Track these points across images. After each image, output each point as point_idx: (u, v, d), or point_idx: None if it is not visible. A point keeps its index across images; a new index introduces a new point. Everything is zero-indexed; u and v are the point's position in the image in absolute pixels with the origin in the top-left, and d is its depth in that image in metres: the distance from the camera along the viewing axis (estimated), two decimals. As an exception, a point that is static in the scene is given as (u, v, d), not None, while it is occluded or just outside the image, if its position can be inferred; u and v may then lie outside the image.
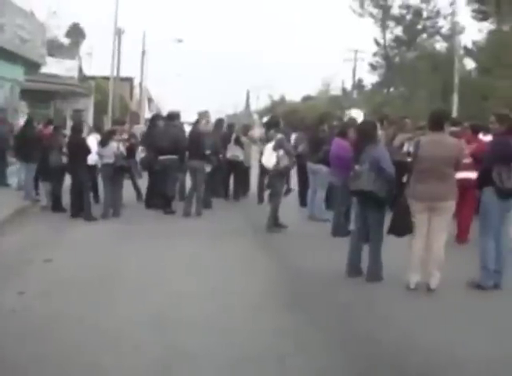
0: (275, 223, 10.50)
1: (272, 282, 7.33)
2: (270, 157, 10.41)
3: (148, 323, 5.60)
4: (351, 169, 7.56)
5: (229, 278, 7.38)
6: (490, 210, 7.04)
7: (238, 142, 14.42)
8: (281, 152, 10.29)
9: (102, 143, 11.75)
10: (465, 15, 65.76)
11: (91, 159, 11.79)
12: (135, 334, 5.33)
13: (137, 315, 5.84)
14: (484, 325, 5.88)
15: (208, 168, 12.12)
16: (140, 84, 47.77)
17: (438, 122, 7.05)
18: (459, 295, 6.86)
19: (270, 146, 10.46)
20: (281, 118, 13.20)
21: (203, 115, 13.46)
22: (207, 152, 12.07)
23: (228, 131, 14.83)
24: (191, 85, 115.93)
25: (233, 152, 14.18)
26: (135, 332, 5.39)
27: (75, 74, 32.44)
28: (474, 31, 53.56)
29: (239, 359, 4.88)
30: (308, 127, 13.25)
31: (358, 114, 13.23)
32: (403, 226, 6.93)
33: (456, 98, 30.46)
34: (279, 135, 10.62)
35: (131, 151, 12.98)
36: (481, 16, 39.53)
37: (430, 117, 7.22)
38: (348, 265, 7.50)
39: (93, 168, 12.05)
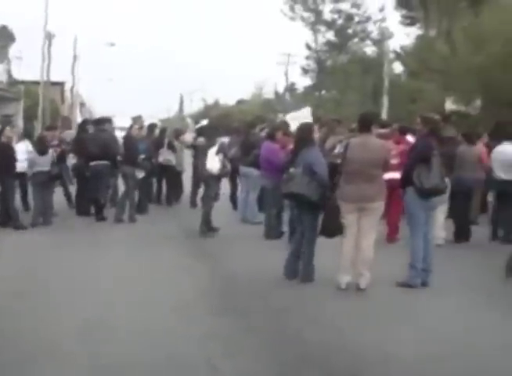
0: (208, 227, 10.46)
1: (204, 287, 7.29)
2: (214, 162, 10.37)
3: (76, 334, 5.47)
4: (284, 172, 7.61)
5: (162, 284, 7.28)
6: (413, 209, 7.25)
7: (170, 146, 14.34)
8: (221, 156, 10.30)
9: (41, 152, 11.47)
10: (394, 20, 67.36)
11: (21, 166, 11.47)
12: (62, 345, 5.19)
13: (64, 326, 5.69)
14: (411, 323, 6.01)
15: (141, 174, 12.00)
16: (71, 88, 46.90)
17: (365, 124, 7.18)
18: (388, 294, 6.97)
19: (213, 151, 10.43)
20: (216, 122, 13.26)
21: (137, 120, 13.36)
22: (141, 157, 11.97)
23: (160, 136, 14.72)
24: (124, 89, 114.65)
25: (166, 156, 14.08)
26: (63, 343, 5.25)
27: (4, 78, 31.63)
28: (403, 36, 54.85)
29: (169, 365, 4.84)
30: (239, 130, 13.27)
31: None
32: (333, 228, 7.01)
33: (385, 100, 31.14)
34: (221, 140, 10.68)
35: (61, 157, 12.73)
36: (409, 21, 40.56)
37: (359, 119, 7.37)
38: (286, 268, 7.52)
39: (22, 175, 11.73)
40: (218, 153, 10.27)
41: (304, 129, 7.82)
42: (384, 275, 7.35)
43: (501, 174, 10.86)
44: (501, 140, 11.35)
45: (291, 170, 7.35)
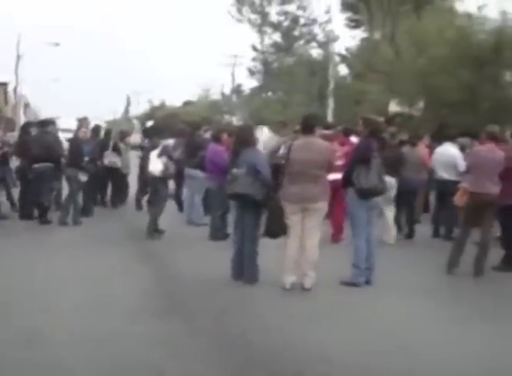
0: (155, 229, 10.40)
1: (150, 289, 7.25)
2: (156, 164, 10.32)
3: (19, 340, 5.34)
4: (228, 173, 7.63)
5: (107, 287, 7.19)
6: (354, 209, 7.38)
7: (116, 148, 14.21)
8: (164, 158, 10.25)
9: None
10: (339, 23, 68.09)
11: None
12: (5, 352, 5.08)
13: (7, 332, 5.57)
14: (355, 322, 6.10)
15: (84, 177, 11.85)
16: (15, 89, 45.88)
17: (308, 126, 7.25)
18: (333, 294, 7.07)
19: (155, 153, 10.38)
20: (162, 123, 13.18)
21: (83, 121, 13.20)
22: (86, 159, 11.84)
23: (105, 138, 14.57)
24: (70, 90, 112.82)
25: (111, 158, 13.94)
26: (6, 349, 5.14)
27: None
28: (348, 38, 55.63)
29: (114, 369, 4.79)
30: (184, 132, 13.23)
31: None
32: (277, 228, 7.07)
33: (331, 102, 31.45)
34: (164, 142, 10.62)
35: (4, 159, 12.47)
36: (354, 24, 41.08)
37: (302, 120, 7.43)
38: (233, 269, 7.53)
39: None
40: (160, 155, 10.23)
41: (245, 130, 7.89)
42: (329, 274, 7.44)
43: (442, 174, 11.15)
44: (442, 141, 11.66)
45: (234, 171, 7.38)
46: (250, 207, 7.25)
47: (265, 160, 7.45)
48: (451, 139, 11.56)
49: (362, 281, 7.33)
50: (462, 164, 10.45)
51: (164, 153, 10.29)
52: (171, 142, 12.17)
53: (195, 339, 5.53)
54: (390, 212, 10.50)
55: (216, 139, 10.64)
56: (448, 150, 11.21)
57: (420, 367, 4.99)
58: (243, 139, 7.60)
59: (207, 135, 12.39)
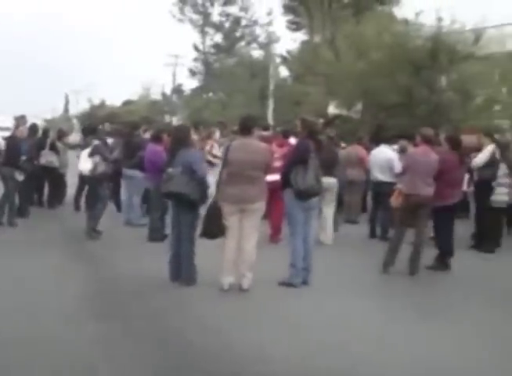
0: (93, 229, 10.24)
1: (87, 290, 7.13)
2: (85, 163, 10.19)
3: None
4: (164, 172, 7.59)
5: (43, 289, 7.05)
6: (292, 210, 7.41)
7: (53, 147, 13.91)
8: (97, 158, 10.09)
9: None
10: (281, 25, 68.58)
11: None
12: None
13: None
14: (292, 322, 6.14)
15: (21, 177, 11.56)
16: None
17: (246, 127, 7.25)
18: (270, 294, 7.08)
19: (86, 152, 10.23)
20: (104, 123, 12.98)
21: (20, 120, 12.88)
22: (22, 158, 11.55)
23: (43, 137, 14.24)
24: (7, 88, 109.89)
25: (48, 158, 13.63)
26: None
27: None
28: (289, 41, 56.07)
29: (47, 370, 4.72)
30: (122, 132, 13.07)
31: None
32: (215, 229, 7.05)
33: (271, 103, 31.66)
34: (96, 142, 10.42)
35: None
36: (295, 26, 41.51)
37: (239, 122, 7.44)
38: (170, 270, 7.45)
39: None
40: (92, 154, 10.08)
41: (182, 130, 7.86)
42: (267, 275, 7.47)
43: (377, 175, 11.36)
44: (379, 143, 11.88)
45: (169, 170, 7.34)
46: (186, 207, 7.21)
47: (201, 159, 7.42)
48: (388, 141, 11.79)
49: (299, 282, 7.38)
50: (397, 166, 10.66)
51: (96, 152, 10.13)
52: (109, 141, 12.02)
53: (131, 340, 5.47)
54: (329, 212, 10.60)
55: (155, 139, 10.56)
56: (384, 152, 11.43)
57: (357, 365, 5.06)
58: (180, 139, 7.56)
59: (147, 135, 12.27)
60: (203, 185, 7.16)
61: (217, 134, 13.30)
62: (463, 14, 22.64)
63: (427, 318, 6.49)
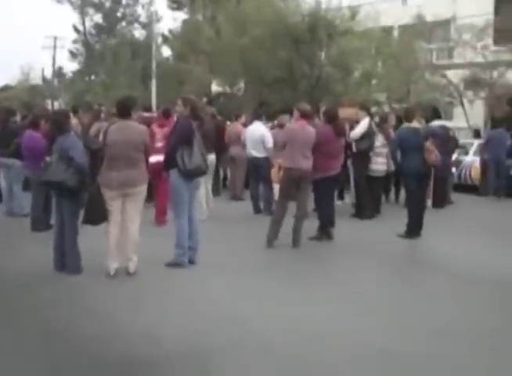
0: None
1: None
2: None
3: None
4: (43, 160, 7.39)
5: None
6: (178, 190, 7.37)
7: None
8: None
9: None
10: (162, 4, 67.62)
11: None
12: None
13: None
14: (181, 302, 6.19)
15: None
16: None
17: (124, 109, 7.15)
18: (158, 275, 7.08)
19: None
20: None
21: None
22: None
23: None
24: None
25: None
26: None
27: None
28: (170, 20, 55.42)
29: None
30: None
31: None
32: (98, 215, 6.95)
33: (154, 83, 31.32)
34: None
35: None
36: (176, 5, 41.08)
37: (117, 104, 7.30)
38: (55, 260, 7.28)
39: None
40: None
41: (60, 115, 7.65)
42: (154, 257, 7.48)
43: (252, 151, 11.57)
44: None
45: (47, 158, 7.16)
46: (67, 195, 7.06)
47: (78, 145, 7.24)
48: (266, 117, 12.02)
49: (185, 261, 7.42)
50: (269, 141, 10.91)
51: None
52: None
53: (20, 335, 5.32)
54: (208, 187, 10.69)
55: (33, 125, 10.20)
56: (257, 129, 11.62)
57: (249, 338, 5.17)
58: (59, 124, 7.36)
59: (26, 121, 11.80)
60: (81, 172, 7.00)
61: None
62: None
63: (309, 287, 6.73)
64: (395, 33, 28.49)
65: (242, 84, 24.95)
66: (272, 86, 21.88)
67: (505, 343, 5.19)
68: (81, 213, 7.06)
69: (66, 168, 6.91)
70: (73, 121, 9.75)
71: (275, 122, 12.04)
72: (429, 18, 24.01)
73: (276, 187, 10.39)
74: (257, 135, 11.50)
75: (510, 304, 6.37)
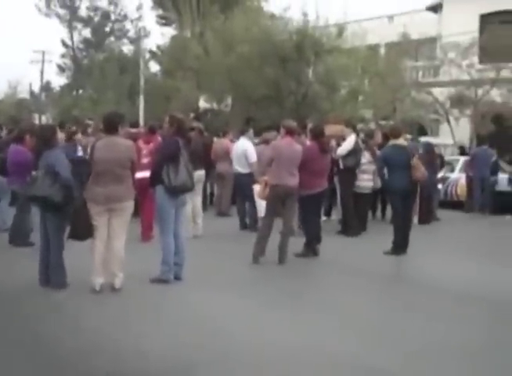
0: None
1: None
2: None
3: None
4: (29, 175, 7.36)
5: None
6: (164, 207, 7.38)
7: None
8: None
9: None
10: (151, 20, 67.80)
11: None
12: None
13: None
14: (166, 318, 6.16)
15: None
16: None
17: (111, 125, 7.16)
18: (143, 292, 7.07)
19: None
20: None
21: None
22: None
23: None
24: None
25: None
26: None
27: None
28: (159, 35, 55.56)
29: None
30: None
31: None
32: (84, 230, 6.92)
33: (142, 99, 31.33)
34: None
35: None
36: (165, 21, 41.22)
37: (103, 120, 7.31)
38: (40, 275, 7.22)
39: None
40: None
41: (47, 130, 7.63)
42: (140, 273, 7.47)
43: (237, 167, 11.60)
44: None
45: (34, 173, 7.14)
46: (52, 210, 7.04)
47: (64, 161, 7.23)
48: (256, 133, 12.06)
49: (171, 277, 7.41)
50: (252, 156, 10.95)
51: None
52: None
53: (3, 350, 5.28)
54: (198, 204, 10.69)
55: (18, 139, 10.16)
56: (242, 144, 11.63)
57: (234, 353, 5.18)
58: (45, 139, 7.35)
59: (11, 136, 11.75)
60: (67, 187, 6.99)
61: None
62: (326, 10, 23.51)
63: (295, 304, 6.73)
64: (382, 50, 28.78)
65: (229, 101, 25.03)
66: (259, 103, 21.98)
67: (492, 360, 5.20)
68: (67, 228, 7.05)
69: (51, 183, 6.89)
70: (62, 134, 9.76)
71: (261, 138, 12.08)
72: (415, 36, 24.28)
73: (260, 203, 10.43)
74: (241, 150, 11.52)
75: (497, 321, 6.38)
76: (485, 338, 5.77)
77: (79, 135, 11.84)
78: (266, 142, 11.35)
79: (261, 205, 10.31)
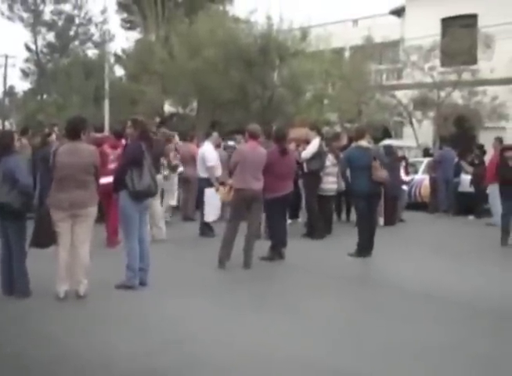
0: None
1: None
2: None
3: None
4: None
5: None
6: (128, 212, 7.34)
7: None
8: None
9: None
10: (116, 23, 67.28)
11: None
12: None
13: None
14: (132, 324, 6.12)
15: None
16: None
17: (74, 130, 7.10)
18: (108, 298, 7.02)
19: None
20: None
21: None
22: None
23: None
24: None
25: None
26: None
27: None
28: (124, 39, 55.17)
29: None
30: None
31: None
32: (46, 237, 6.85)
33: (107, 103, 31.07)
34: None
35: None
36: (129, 25, 40.97)
37: (66, 125, 7.24)
38: (2, 283, 7.10)
39: None
40: None
41: (6, 136, 7.50)
42: (105, 279, 7.42)
43: (200, 173, 11.57)
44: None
45: None
46: (11, 218, 6.94)
47: (23, 167, 7.13)
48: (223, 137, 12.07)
49: (136, 283, 7.36)
50: (209, 159, 10.97)
51: None
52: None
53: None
54: (159, 208, 10.66)
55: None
56: (204, 149, 11.60)
57: (201, 358, 5.17)
58: (4, 145, 7.23)
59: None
60: (26, 193, 6.90)
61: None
62: (290, 14, 23.65)
63: (261, 308, 6.76)
64: (346, 54, 29.03)
65: (195, 105, 24.99)
66: (225, 107, 22.02)
67: (460, 360, 5.26)
68: (29, 235, 6.97)
69: (9, 189, 6.79)
70: (24, 141, 9.64)
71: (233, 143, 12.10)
72: (378, 39, 24.54)
73: (208, 209, 10.49)
74: (201, 153, 11.51)
75: (463, 320, 6.46)
76: (450, 338, 5.84)
77: (53, 137, 11.74)
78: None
79: (208, 211, 10.38)
